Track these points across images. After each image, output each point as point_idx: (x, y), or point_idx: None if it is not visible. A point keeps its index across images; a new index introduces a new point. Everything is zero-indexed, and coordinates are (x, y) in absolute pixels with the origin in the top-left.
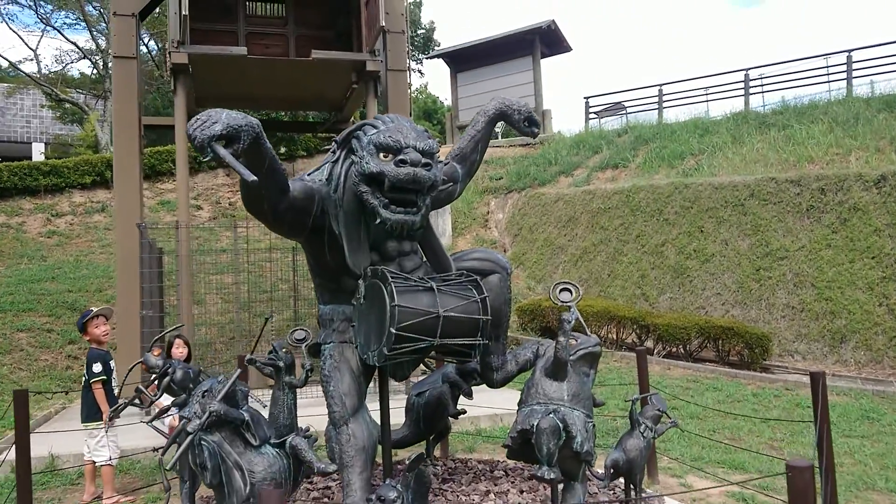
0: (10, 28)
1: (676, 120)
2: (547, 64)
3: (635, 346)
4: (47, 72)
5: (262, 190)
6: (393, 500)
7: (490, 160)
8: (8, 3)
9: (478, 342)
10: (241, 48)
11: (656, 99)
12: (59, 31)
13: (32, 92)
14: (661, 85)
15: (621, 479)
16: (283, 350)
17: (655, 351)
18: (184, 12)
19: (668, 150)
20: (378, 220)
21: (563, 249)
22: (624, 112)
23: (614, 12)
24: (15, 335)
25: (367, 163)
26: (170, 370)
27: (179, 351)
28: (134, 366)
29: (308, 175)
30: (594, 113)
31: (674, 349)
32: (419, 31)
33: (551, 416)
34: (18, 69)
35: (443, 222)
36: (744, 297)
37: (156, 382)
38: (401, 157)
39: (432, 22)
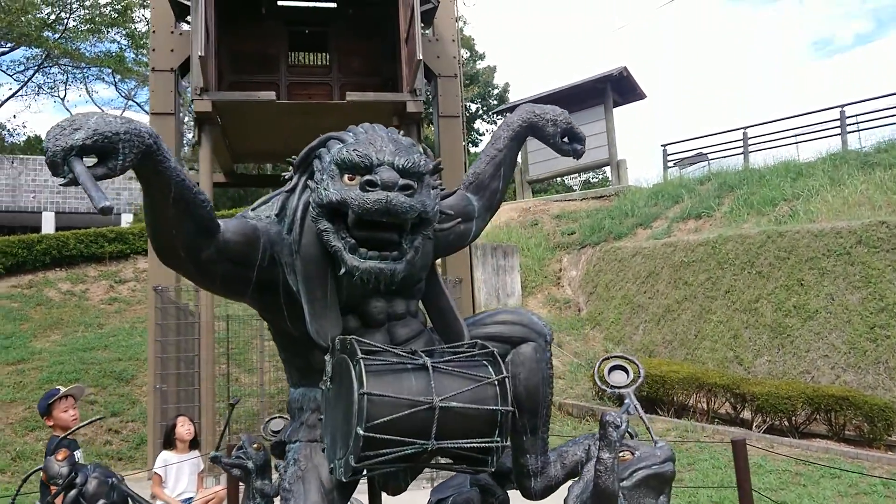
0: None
1: (764, 164)
2: (620, 113)
3: (730, 418)
4: None
5: (172, 230)
6: None
7: (562, 214)
8: (93, 81)
9: (494, 444)
10: (269, 93)
11: (740, 143)
12: (140, 107)
13: None
14: (745, 128)
15: None
16: (255, 446)
17: (754, 425)
18: (199, 53)
19: (756, 197)
20: (342, 270)
21: (643, 308)
22: (706, 161)
23: (688, 58)
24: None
25: (325, 188)
26: (78, 480)
27: (186, 429)
28: (29, 475)
29: (252, 210)
30: (672, 161)
31: (776, 422)
32: (494, 92)
33: None
34: None
35: (511, 281)
36: (857, 359)
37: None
38: (368, 177)
39: (507, 83)
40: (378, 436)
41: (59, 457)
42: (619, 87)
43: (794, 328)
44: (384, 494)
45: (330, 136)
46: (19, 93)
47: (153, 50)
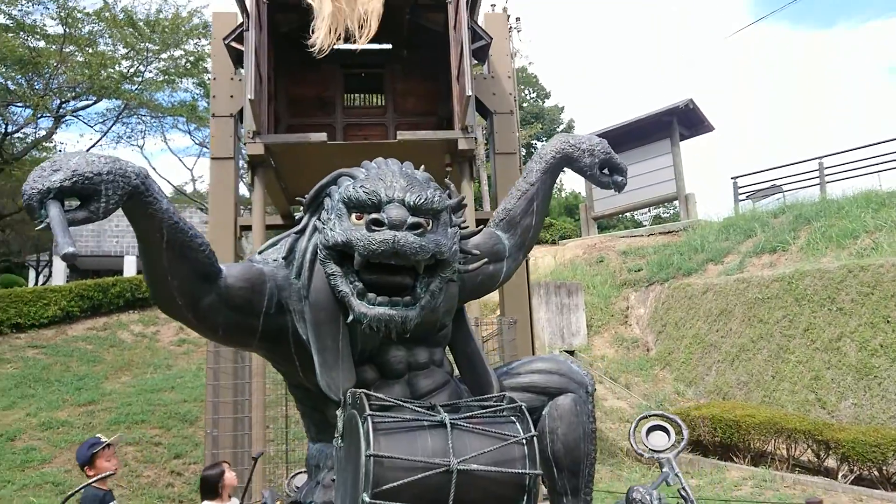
0: (172, 151)
1: (843, 195)
2: (687, 146)
3: (812, 467)
4: (204, 191)
5: (167, 276)
6: None
7: (628, 250)
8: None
9: None
10: (321, 134)
11: (816, 174)
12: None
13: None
14: (821, 158)
15: None
16: (277, 503)
17: (840, 474)
18: (249, 96)
19: (835, 229)
20: (349, 318)
21: (715, 347)
22: (780, 193)
23: (757, 87)
24: (122, 449)
25: (331, 228)
26: None
27: (230, 476)
28: None
29: (259, 254)
30: (744, 194)
31: (865, 472)
32: (559, 129)
33: None
34: (179, 190)
35: (576, 319)
36: None
37: None
38: (373, 216)
39: (572, 120)
40: (387, 503)
41: None
42: (685, 120)
43: (882, 369)
44: None
45: (341, 172)
46: (100, 142)
47: (213, 97)
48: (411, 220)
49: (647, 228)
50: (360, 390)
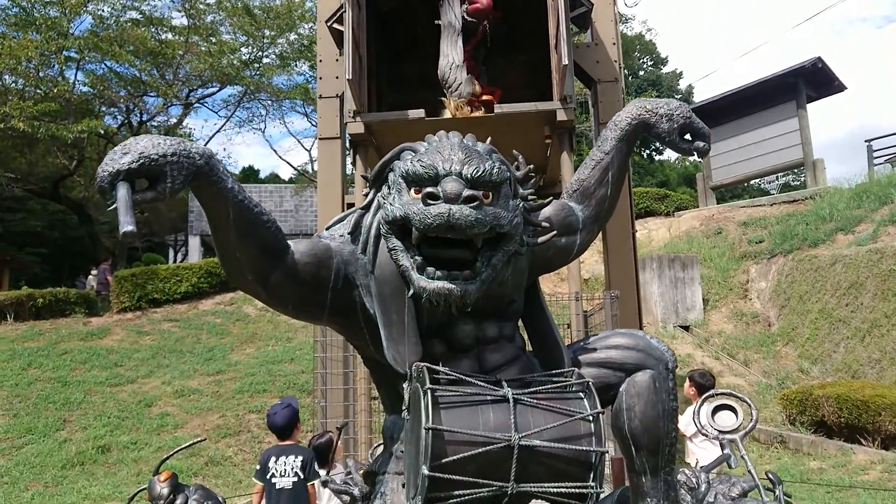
0: (292, 134)
1: None
2: (816, 108)
3: None
4: None
5: (236, 252)
6: None
7: (749, 221)
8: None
9: (590, 489)
10: (419, 111)
11: None
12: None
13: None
14: None
15: None
16: (361, 472)
17: None
18: (347, 76)
19: None
20: (410, 292)
21: (844, 322)
22: None
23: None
24: (246, 416)
25: (391, 203)
26: (178, 501)
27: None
28: (135, 495)
29: (326, 230)
30: (880, 158)
31: None
32: (676, 97)
33: None
34: (300, 171)
35: (691, 294)
36: None
37: None
38: (428, 189)
39: (690, 86)
40: (446, 476)
41: (162, 478)
42: (812, 80)
43: None
44: None
45: (404, 146)
46: (224, 128)
47: (320, 78)
48: (467, 192)
49: (770, 197)
50: (424, 364)
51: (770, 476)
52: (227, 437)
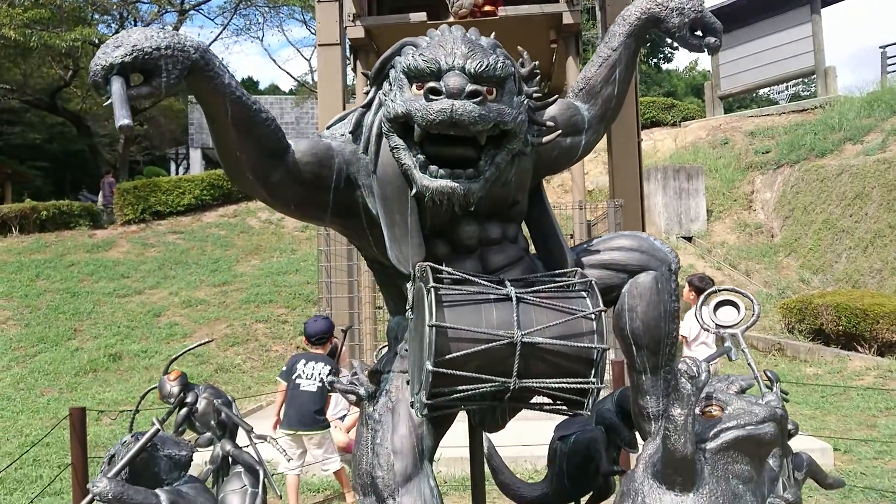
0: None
1: None
2: (830, 13)
3: None
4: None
5: (235, 151)
6: None
7: (756, 131)
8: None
9: (588, 385)
10: (420, 14)
11: None
12: None
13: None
14: None
15: None
16: (366, 372)
17: None
18: None
19: None
20: (412, 192)
21: (847, 233)
22: None
23: None
24: (253, 325)
25: (392, 99)
26: (189, 399)
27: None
28: (146, 393)
29: (327, 129)
30: (894, 65)
31: None
32: None
33: None
34: (300, 82)
35: (695, 205)
36: None
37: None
38: (431, 84)
39: None
40: (450, 372)
41: (171, 377)
42: None
43: None
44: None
45: (405, 41)
46: (220, 36)
47: None
48: (470, 87)
49: (779, 107)
50: (427, 263)
51: (768, 374)
52: (234, 346)
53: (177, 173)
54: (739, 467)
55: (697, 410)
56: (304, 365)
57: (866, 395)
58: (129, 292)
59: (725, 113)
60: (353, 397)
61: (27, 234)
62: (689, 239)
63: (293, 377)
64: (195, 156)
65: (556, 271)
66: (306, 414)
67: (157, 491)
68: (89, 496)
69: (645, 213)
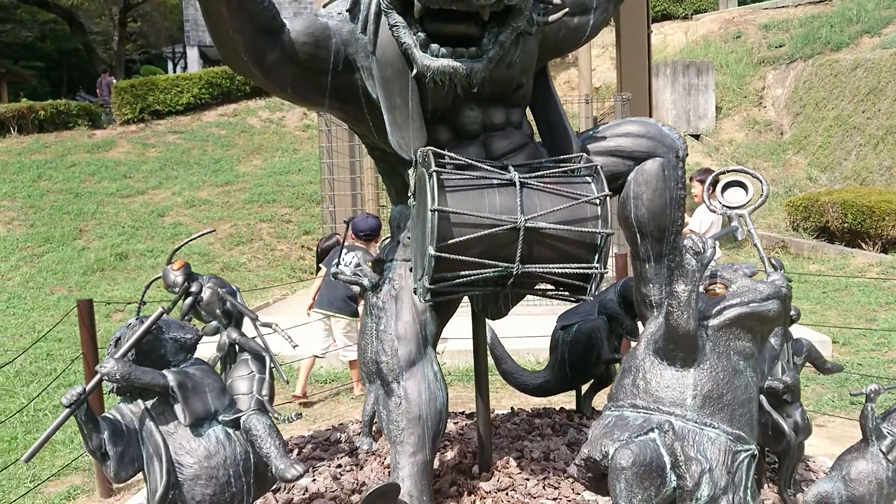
0: None
1: None
2: None
3: None
4: None
5: (228, 30)
6: None
7: (770, 24)
8: None
9: (591, 270)
10: None
11: None
12: None
13: None
14: None
15: None
16: (369, 263)
17: None
18: None
19: None
20: (414, 71)
21: (859, 129)
22: None
23: None
24: (257, 225)
25: None
26: (193, 289)
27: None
28: (152, 282)
29: (324, 7)
30: None
31: None
32: None
33: (647, 438)
34: None
35: (704, 101)
36: None
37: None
38: None
39: None
40: (452, 257)
41: (175, 267)
42: None
43: None
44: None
45: None
46: None
47: None
48: None
49: None
50: (430, 148)
51: (772, 262)
52: (239, 245)
53: (174, 72)
54: (741, 344)
55: (701, 288)
56: (346, 254)
57: (867, 290)
58: (132, 192)
59: (739, 5)
60: (357, 288)
61: (26, 134)
62: (696, 136)
63: (332, 264)
64: (192, 54)
65: (561, 157)
66: (338, 297)
67: (165, 372)
68: (97, 377)
69: (653, 111)
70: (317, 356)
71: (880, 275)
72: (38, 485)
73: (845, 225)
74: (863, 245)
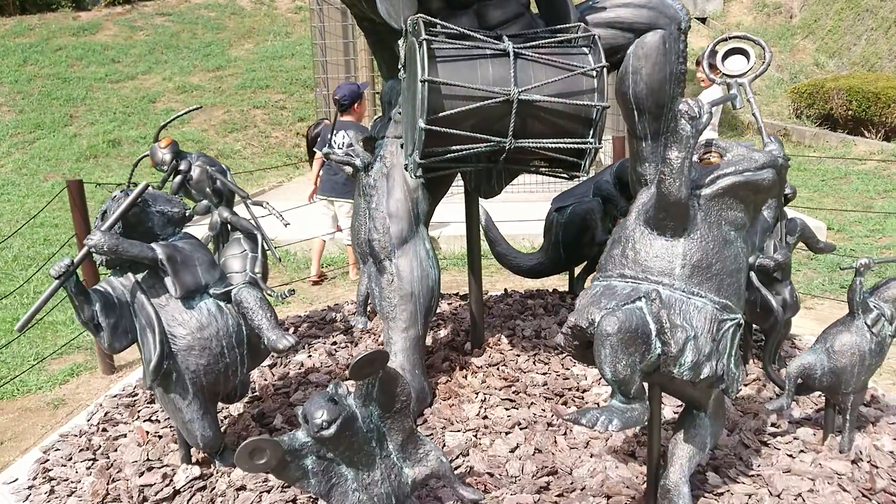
0: None
1: None
2: None
3: None
4: None
5: None
6: (322, 424)
7: None
8: None
9: (589, 145)
10: None
11: None
12: None
13: None
14: None
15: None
16: (360, 142)
17: None
18: None
19: None
20: None
21: (871, 12)
22: None
23: None
24: (251, 111)
25: None
26: (182, 167)
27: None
28: (140, 160)
29: None
30: None
31: None
32: None
33: (633, 307)
34: None
35: None
36: None
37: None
38: None
39: None
40: (443, 130)
41: (162, 145)
42: None
43: None
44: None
45: None
46: None
47: None
48: None
49: None
50: (420, 16)
51: (771, 138)
52: (233, 132)
53: None
54: (733, 214)
55: (696, 158)
56: (336, 135)
57: (866, 178)
58: (122, 77)
59: None
60: (349, 168)
61: (8, 16)
62: (703, 20)
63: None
64: None
65: (558, 27)
66: (339, 182)
67: (153, 245)
68: (84, 249)
69: None
70: (325, 240)
71: (881, 162)
72: (40, 361)
73: (850, 112)
74: (865, 133)
